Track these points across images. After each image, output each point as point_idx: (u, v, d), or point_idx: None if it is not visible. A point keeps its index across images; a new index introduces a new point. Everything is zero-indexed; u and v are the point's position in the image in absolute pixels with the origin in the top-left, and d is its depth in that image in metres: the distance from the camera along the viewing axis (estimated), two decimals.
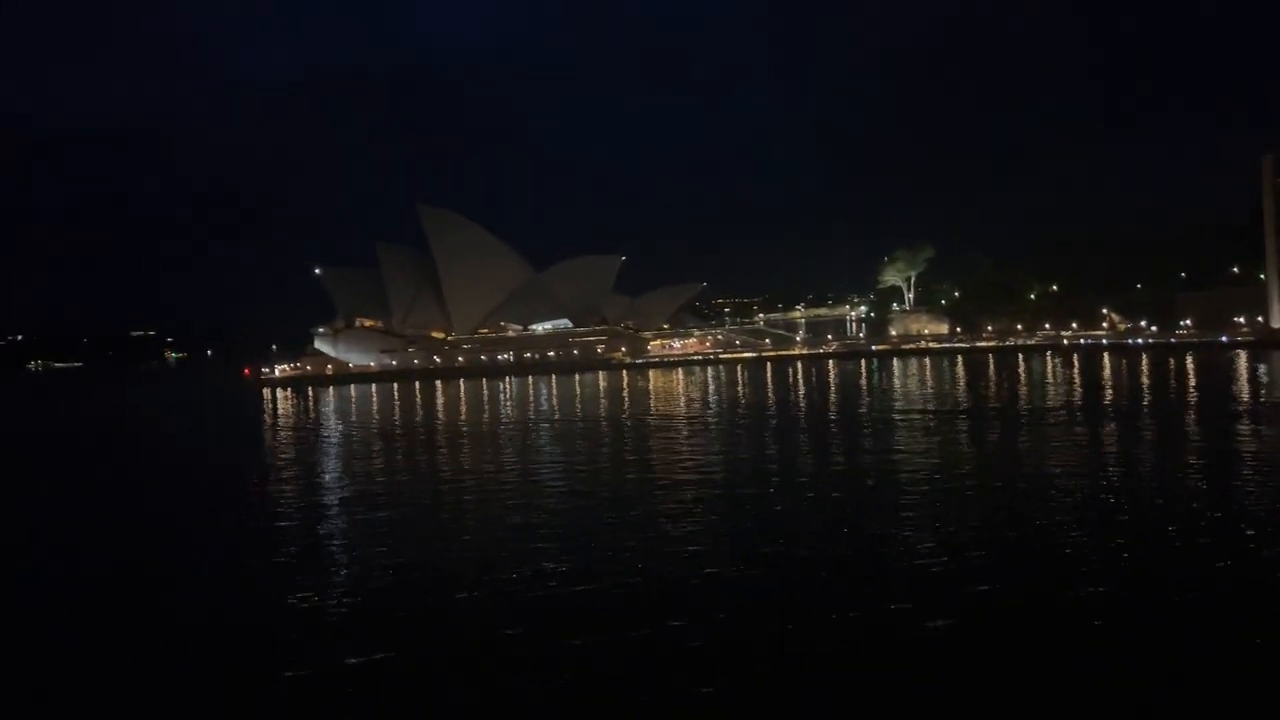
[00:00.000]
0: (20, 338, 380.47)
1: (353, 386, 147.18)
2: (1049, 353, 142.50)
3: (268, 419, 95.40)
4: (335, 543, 33.55)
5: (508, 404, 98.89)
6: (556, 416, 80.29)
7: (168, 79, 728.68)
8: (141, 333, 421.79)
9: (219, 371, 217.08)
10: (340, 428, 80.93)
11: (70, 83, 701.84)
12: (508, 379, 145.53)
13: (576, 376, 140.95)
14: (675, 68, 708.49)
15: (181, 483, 52.34)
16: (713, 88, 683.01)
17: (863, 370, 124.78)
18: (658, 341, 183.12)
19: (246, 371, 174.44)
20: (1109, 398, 73.37)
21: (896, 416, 65.53)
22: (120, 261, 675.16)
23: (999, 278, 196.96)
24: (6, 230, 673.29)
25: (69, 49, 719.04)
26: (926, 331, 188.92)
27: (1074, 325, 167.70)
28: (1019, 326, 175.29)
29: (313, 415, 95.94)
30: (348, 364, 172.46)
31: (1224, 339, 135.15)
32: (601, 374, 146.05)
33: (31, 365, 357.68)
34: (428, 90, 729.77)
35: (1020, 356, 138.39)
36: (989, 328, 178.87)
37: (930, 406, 71.81)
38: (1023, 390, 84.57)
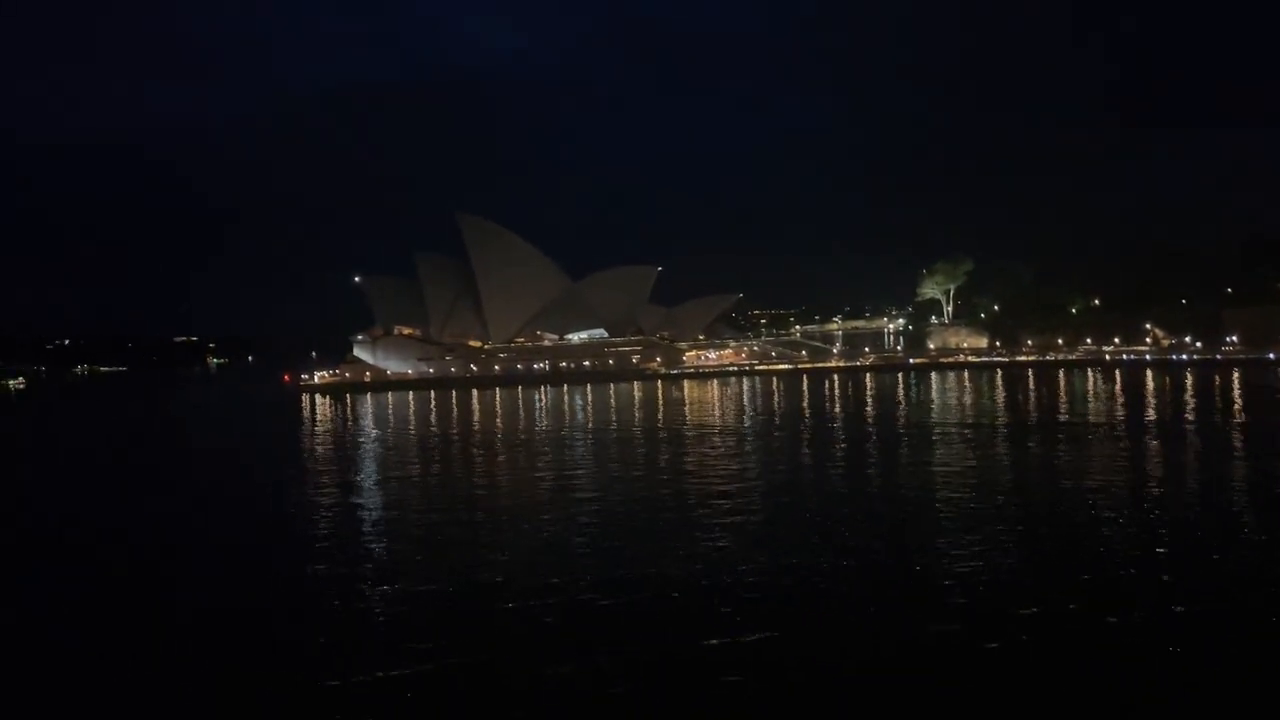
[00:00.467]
0: (67, 342, 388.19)
1: (390, 394, 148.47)
2: (1090, 368, 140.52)
3: (315, 427, 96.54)
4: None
5: (546, 414, 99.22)
6: (612, 426, 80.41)
7: (213, 89, 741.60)
8: (184, 339, 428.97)
9: (260, 377, 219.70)
10: (384, 436, 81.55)
11: (115, 92, 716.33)
12: (543, 388, 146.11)
13: (611, 386, 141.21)
14: (713, 80, 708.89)
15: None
16: (750, 100, 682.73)
17: (900, 383, 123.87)
18: (693, 352, 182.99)
19: (286, 377, 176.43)
20: (1152, 415, 72.21)
21: (935, 431, 64.95)
22: (162, 268, 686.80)
23: (1040, 291, 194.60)
24: (55, 238, 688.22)
25: (113, 58, 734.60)
26: (965, 345, 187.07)
27: (1116, 340, 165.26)
28: (1060, 341, 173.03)
29: (350, 423, 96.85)
30: (386, 371, 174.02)
31: (1271, 355, 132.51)
32: (636, 384, 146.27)
33: (77, 369, 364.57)
34: (469, 101, 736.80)
35: (1061, 372, 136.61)
36: (1029, 342, 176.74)
37: (969, 420, 71.11)
38: (1063, 405, 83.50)
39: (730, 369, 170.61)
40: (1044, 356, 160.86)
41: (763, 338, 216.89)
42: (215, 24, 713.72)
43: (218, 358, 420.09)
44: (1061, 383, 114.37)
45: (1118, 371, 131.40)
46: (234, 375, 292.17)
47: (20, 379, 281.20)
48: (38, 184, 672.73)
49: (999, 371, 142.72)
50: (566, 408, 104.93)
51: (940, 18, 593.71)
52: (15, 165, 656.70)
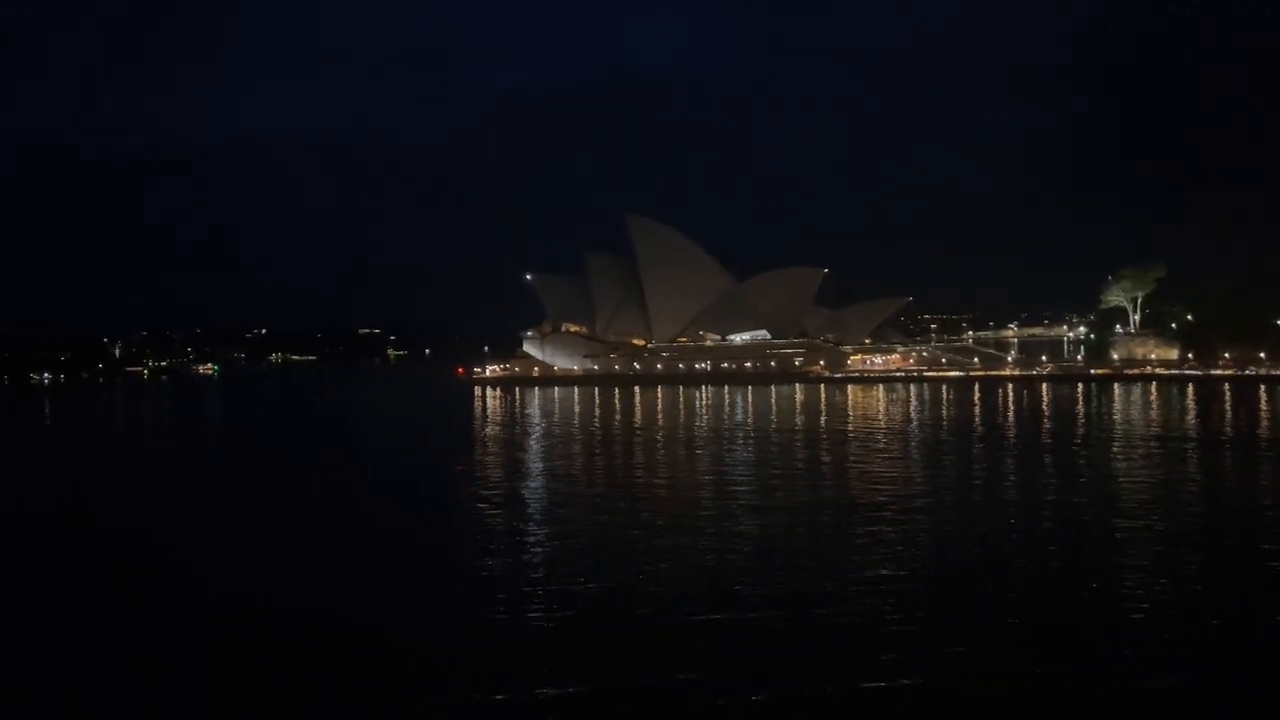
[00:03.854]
0: (264, 332, 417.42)
1: (556, 389, 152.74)
2: None
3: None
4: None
5: (708, 412, 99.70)
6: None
7: (393, 93, 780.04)
8: (367, 330, 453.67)
9: (437, 370, 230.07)
10: (570, 433, 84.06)
11: (302, 98, 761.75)
12: (704, 388, 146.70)
13: (773, 388, 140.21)
14: (885, 83, 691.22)
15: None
16: (926, 102, 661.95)
17: (1080, 395, 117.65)
18: (858, 356, 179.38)
19: (460, 370, 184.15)
20: None
21: (1117, 448, 61.60)
22: (349, 263, 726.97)
23: (1241, 300, 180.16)
24: (254, 236, 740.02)
25: (300, 65, 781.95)
26: (1153, 356, 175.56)
27: None
28: (1261, 355, 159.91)
29: (536, 419, 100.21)
30: (553, 367, 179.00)
31: None
32: (798, 386, 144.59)
33: (272, 358, 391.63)
34: (639, 105, 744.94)
35: (1262, 388, 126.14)
36: (1225, 355, 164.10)
37: (1157, 436, 67.02)
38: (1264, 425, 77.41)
39: (897, 374, 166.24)
40: (1243, 371, 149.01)
41: (932, 343, 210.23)
42: (396, 30, 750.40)
43: (396, 350, 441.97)
44: (1262, 400, 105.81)
45: None
46: (412, 368, 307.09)
47: (211, 365, 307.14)
48: (230, 189, 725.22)
49: (1190, 385, 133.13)
50: (728, 409, 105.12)
51: (1130, 14, 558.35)
52: (208, 169, 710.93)
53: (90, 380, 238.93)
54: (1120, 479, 48.79)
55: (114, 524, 42.79)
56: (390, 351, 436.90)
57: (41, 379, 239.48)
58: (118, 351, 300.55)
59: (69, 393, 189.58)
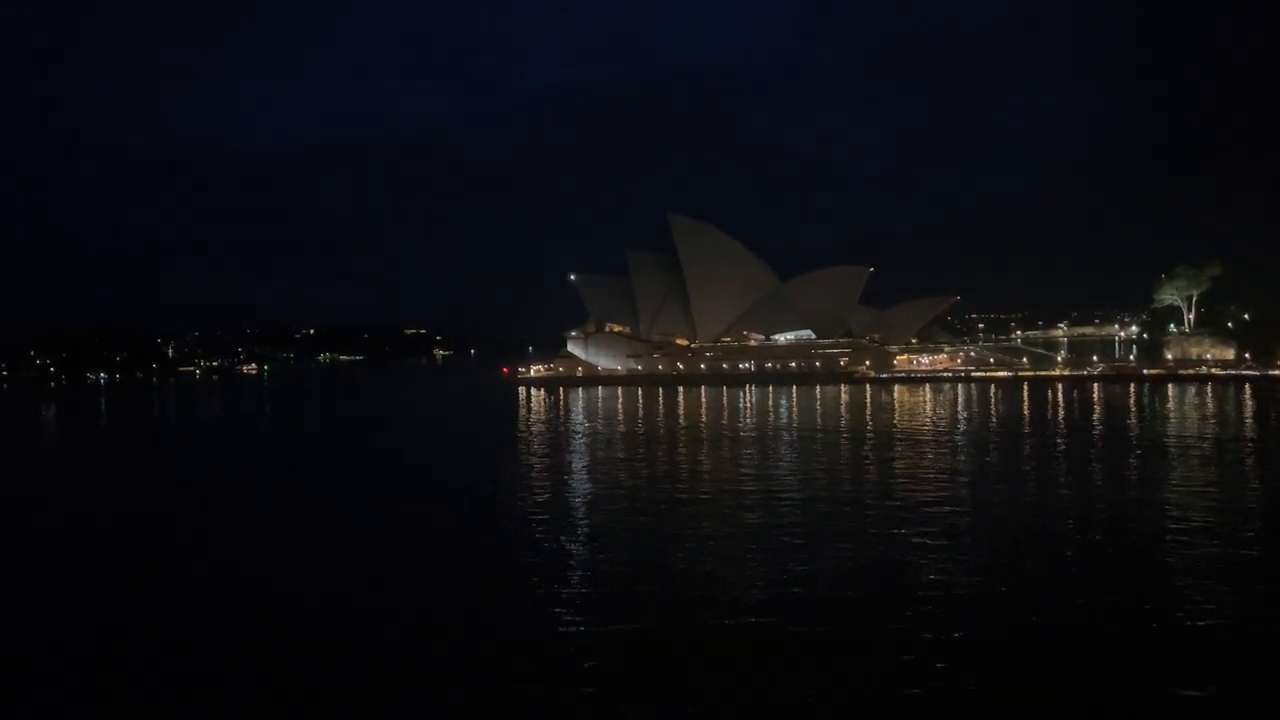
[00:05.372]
0: (313, 331, 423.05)
1: (600, 388, 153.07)
2: None
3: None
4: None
5: (751, 414, 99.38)
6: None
7: (439, 93, 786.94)
8: (414, 330, 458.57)
9: (483, 369, 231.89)
10: (611, 434, 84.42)
11: (349, 98, 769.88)
12: (748, 388, 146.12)
13: (818, 388, 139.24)
14: (937, 78, 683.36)
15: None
16: (977, 100, 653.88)
17: (1137, 396, 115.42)
18: (904, 356, 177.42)
19: (505, 370, 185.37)
20: None
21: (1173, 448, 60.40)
22: (395, 262, 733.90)
23: None
24: (304, 236, 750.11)
25: (347, 66, 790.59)
26: (1209, 356, 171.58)
27: None
28: None
29: (581, 420, 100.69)
30: (596, 366, 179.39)
31: None
32: (844, 387, 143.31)
33: (321, 357, 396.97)
34: (682, 102, 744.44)
35: None
36: None
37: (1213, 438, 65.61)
38: None
39: (944, 374, 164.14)
40: None
41: (980, 343, 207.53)
42: (441, 30, 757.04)
43: (443, 350, 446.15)
44: None
45: None
46: (458, 367, 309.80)
47: (254, 365, 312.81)
48: (280, 189, 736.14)
49: (1248, 386, 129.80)
50: (771, 409, 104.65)
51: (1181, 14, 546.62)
52: (258, 170, 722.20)
53: (145, 380, 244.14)
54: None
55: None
56: (436, 351, 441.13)
57: (98, 378, 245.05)
58: (170, 352, 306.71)
59: (137, 391, 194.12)
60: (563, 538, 39.54)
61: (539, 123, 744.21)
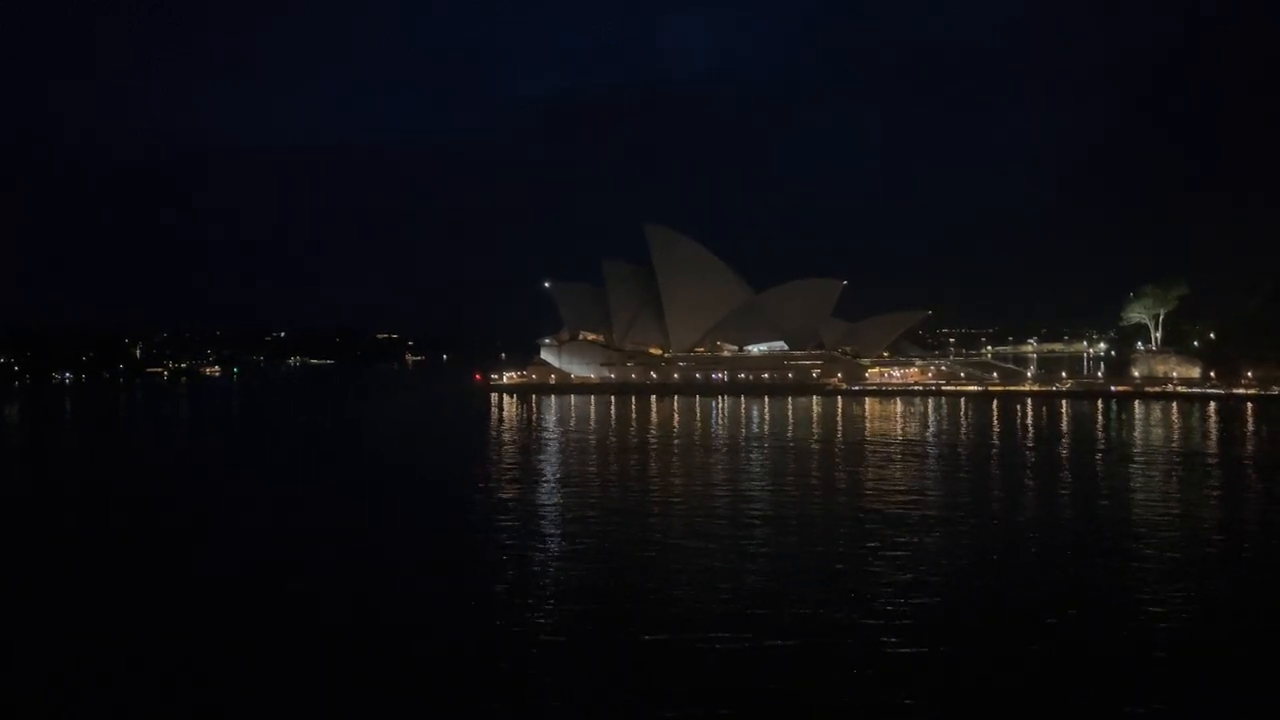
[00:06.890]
0: (283, 335, 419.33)
1: (573, 397, 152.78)
2: None
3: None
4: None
5: (724, 424, 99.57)
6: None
7: (420, 100, 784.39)
8: (385, 335, 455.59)
9: (452, 375, 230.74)
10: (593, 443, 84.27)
11: (327, 102, 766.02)
12: (720, 398, 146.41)
13: (789, 400, 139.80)
14: (912, 93, 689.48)
15: None
16: (949, 114, 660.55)
17: (1099, 412, 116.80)
18: (876, 369, 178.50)
19: (478, 376, 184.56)
20: None
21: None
22: (367, 267, 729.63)
23: (1266, 317, 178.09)
24: (276, 239, 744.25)
25: (329, 70, 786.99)
26: (1174, 374, 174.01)
27: None
28: None
29: (534, 422, 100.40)
30: (570, 375, 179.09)
31: None
32: (815, 399, 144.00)
33: (292, 360, 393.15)
34: (661, 111, 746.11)
35: None
36: (1249, 374, 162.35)
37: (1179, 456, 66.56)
38: None
39: (915, 388, 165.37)
40: (1267, 390, 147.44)
41: (951, 357, 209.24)
42: (424, 36, 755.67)
43: (414, 355, 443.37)
44: None
45: None
46: (429, 373, 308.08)
47: (216, 367, 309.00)
48: (254, 192, 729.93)
49: (1212, 404, 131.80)
50: (743, 419, 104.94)
51: (1148, 25, 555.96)
52: (233, 172, 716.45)
53: (111, 381, 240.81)
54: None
55: None
56: (408, 356, 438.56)
57: (62, 378, 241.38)
58: (138, 352, 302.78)
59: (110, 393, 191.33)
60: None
61: (526, 130, 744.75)
